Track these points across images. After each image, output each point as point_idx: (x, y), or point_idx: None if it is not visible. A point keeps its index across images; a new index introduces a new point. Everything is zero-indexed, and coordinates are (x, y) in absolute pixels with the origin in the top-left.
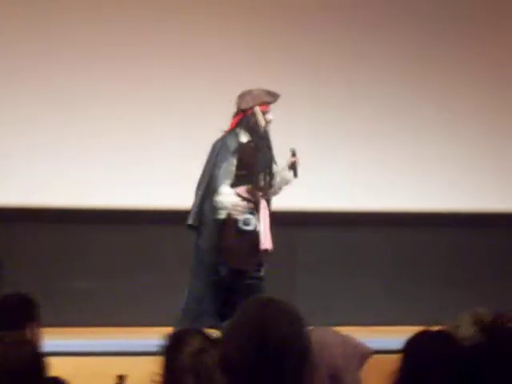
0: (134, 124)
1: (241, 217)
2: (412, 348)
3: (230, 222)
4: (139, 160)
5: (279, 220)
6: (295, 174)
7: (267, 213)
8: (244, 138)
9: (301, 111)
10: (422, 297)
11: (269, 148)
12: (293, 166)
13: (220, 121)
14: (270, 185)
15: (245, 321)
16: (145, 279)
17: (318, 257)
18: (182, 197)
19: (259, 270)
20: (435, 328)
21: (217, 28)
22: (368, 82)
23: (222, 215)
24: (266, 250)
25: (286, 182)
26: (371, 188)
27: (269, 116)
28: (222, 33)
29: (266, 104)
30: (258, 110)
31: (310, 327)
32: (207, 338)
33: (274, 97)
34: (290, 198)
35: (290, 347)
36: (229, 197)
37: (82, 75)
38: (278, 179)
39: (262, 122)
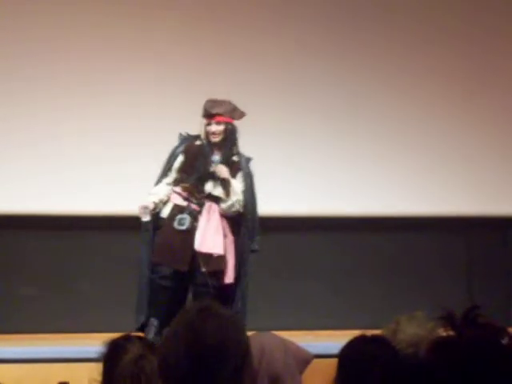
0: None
1: (179, 216)
2: (347, 353)
3: (167, 221)
4: (77, 165)
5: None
6: (224, 188)
7: (215, 217)
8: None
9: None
10: (365, 300)
11: (205, 158)
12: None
13: (177, 125)
14: (200, 190)
15: (181, 328)
16: (85, 286)
17: (261, 261)
18: (123, 201)
19: (204, 277)
20: (371, 332)
21: (185, 36)
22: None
23: (163, 214)
24: (210, 255)
25: (234, 203)
26: (322, 191)
27: (211, 128)
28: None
29: (204, 116)
30: (202, 121)
31: (250, 332)
32: (147, 344)
33: (204, 111)
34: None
35: (226, 354)
36: (149, 196)
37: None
38: (229, 202)
39: (202, 134)
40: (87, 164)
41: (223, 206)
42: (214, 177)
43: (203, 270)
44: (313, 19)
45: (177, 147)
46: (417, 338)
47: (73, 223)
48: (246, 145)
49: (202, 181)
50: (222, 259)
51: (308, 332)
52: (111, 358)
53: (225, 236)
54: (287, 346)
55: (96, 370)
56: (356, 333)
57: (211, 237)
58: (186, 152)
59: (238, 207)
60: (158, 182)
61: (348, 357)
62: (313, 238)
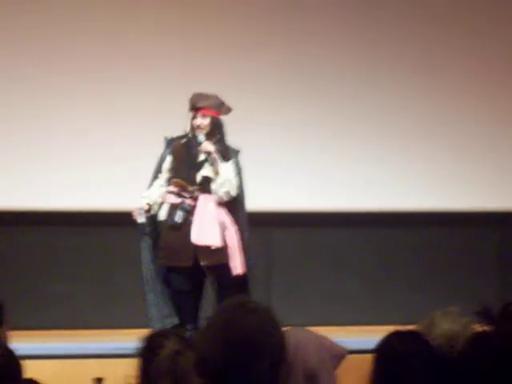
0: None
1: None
2: (383, 349)
3: (163, 222)
4: (110, 160)
5: (257, 220)
6: (212, 165)
7: (210, 209)
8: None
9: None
10: (399, 296)
11: (190, 148)
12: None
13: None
14: (193, 182)
15: (218, 323)
16: (121, 281)
17: (294, 257)
18: None
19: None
20: (407, 328)
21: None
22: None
23: (161, 217)
24: (208, 247)
25: (223, 182)
26: (349, 187)
27: (196, 121)
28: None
29: (190, 110)
30: (189, 114)
31: (286, 328)
32: (183, 340)
33: (190, 104)
34: (269, 198)
35: (263, 349)
36: (142, 199)
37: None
38: (219, 180)
39: (187, 127)
40: (114, 160)
41: (213, 186)
42: (204, 164)
43: (202, 263)
44: (318, 7)
45: (164, 151)
46: (452, 334)
47: (104, 219)
48: (265, 139)
49: (193, 170)
50: (222, 252)
51: (340, 328)
52: (147, 353)
53: (225, 228)
54: (321, 342)
55: (132, 365)
56: (388, 328)
57: (207, 229)
58: (173, 152)
59: (228, 187)
60: (150, 185)
61: (384, 352)
62: (344, 233)
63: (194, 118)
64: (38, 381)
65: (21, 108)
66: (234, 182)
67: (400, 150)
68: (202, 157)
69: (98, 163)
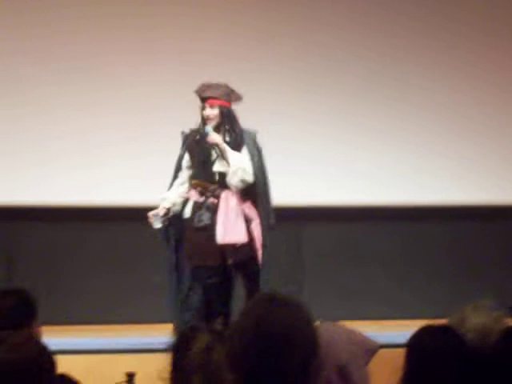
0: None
1: (198, 213)
2: (415, 343)
3: (189, 221)
4: (136, 155)
5: (283, 215)
6: (222, 156)
7: (233, 205)
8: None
9: (297, 99)
10: (430, 290)
11: (201, 142)
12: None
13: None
14: (211, 179)
15: (250, 318)
16: (151, 276)
17: (325, 251)
18: None
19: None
20: (439, 322)
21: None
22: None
23: (186, 215)
24: (233, 245)
25: (235, 171)
26: (376, 181)
27: (205, 112)
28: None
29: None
30: (200, 104)
31: (317, 322)
32: (216, 335)
33: (198, 95)
34: (295, 193)
35: (295, 344)
36: (162, 202)
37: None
38: (231, 169)
39: (200, 119)
40: (139, 156)
41: (227, 178)
42: (218, 157)
43: (229, 261)
44: None
45: (181, 147)
46: (483, 328)
47: (138, 214)
48: (287, 131)
49: (209, 167)
50: (248, 246)
51: (372, 322)
52: (180, 348)
53: (250, 220)
54: (352, 336)
55: (164, 360)
56: (420, 323)
57: (232, 226)
58: (188, 148)
59: (242, 175)
60: (171, 185)
61: (416, 347)
62: (377, 227)
63: (203, 108)
64: (70, 376)
65: (53, 105)
66: (248, 168)
67: (426, 142)
68: (214, 153)
69: (122, 159)
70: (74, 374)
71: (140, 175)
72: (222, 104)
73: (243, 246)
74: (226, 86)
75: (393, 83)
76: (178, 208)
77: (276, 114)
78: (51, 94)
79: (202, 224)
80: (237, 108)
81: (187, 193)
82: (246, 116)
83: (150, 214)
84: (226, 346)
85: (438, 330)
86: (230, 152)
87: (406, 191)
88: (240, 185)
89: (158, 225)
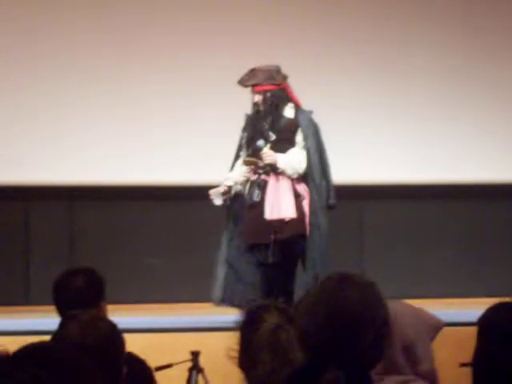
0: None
1: (250, 191)
2: (489, 321)
3: (245, 199)
4: (197, 137)
5: (345, 194)
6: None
7: (280, 181)
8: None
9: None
10: (489, 269)
11: (256, 124)
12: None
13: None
14: (256, 158)
15: (322, 297)
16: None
17: (384, 230)
18: None
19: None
20: (508, 300)
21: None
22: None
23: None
24: (282, 220)
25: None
26: (433, 160)
27: (254, 98)
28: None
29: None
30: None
31: None
32: (284, 313)
33: (239, 84)
34: (355, 171)
35: (367, 322)
36: (224, 181)
37: (111, 55)
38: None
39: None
40: (200, 136)
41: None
42: (263, 135)
43: (279, 237)
44: None
45: (243, 128)
46: None
47: (196, 193)
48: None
49: (253, 141)
50: (298, 222)
51: (436, 300)
52: (248, 327)
53: (300, 197)
54: (417, 313)
55: (230, 339)
56: (484, 301)
57: (281, 202)
58: (245, 128)
59: (291, 171)
60: (232, 165)
61: (489, 324)
62: (436, 206)
63: (252, 94)
64: (136, 355)
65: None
66: (296, 164)
67: (489, 121)
68: (266, 128)
69: (185, 140)
70: (138, 352)
71: (202, 156)
72: (266, 88)
73: (292, 221)
74: (269, 69)
75: (457, 64)
76: (239, 187)
77: (339, 94)
78: (118, 78)
79: (252, 201)
80: (296, 89)
81: (248, 172)
82: (310, 95)
83: (211, 191)
84: (295, 324)
85: (510, 307)
86: (282, 162)
87: (468, 170)
88: (294, 176)
89: (218, 202)
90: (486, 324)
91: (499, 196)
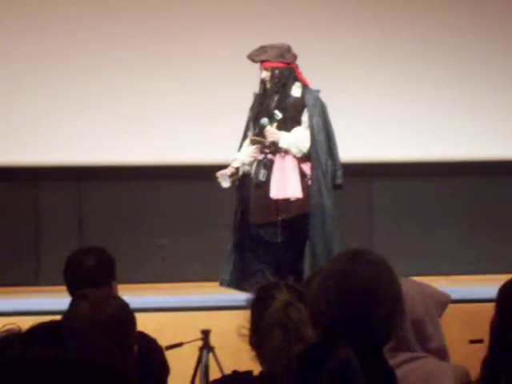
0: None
1: (255, 171)
2: (508, 297)
3: (251, 179)
4: (206, 117)
5: (353, 171)
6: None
7: (286, 160)
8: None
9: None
10: (498, 246)
11: (262, 104)
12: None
13: None
14: (261, 136)
15: (333, 274)
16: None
17: (392, 208)
18: None
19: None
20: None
21: None
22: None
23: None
24: (287, 199)
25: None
26: (442, 138)
27: (262, 74)
28: None
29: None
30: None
31: None
32: (295, 291)
33: (249, 58)
34: (362, 149)
35: (379, 299)
36: (232, 162)
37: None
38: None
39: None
40: (214, 117)
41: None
42: (269, 113)
43: (283, 217)
44: None
45: (251, 107)
46: None
47: (206, 173)
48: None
49: (257, 119)
50: (304, 201)
51: (442, 277)
52: (259, 305)
53: (306, 176)
54: (424, 289)
55: (240, 317)
56: (491, 277)
57: (287, 181)
58: (251, 107)
59: (295, 150)
60: (240, 145)
61: (506, 301)
62: (445, 183)
63: (260, 71)
64: (147, 334)
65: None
66: (300, 143)
67: (496, 99)
68: (272, 106)
69: (194, 119)
70: (149, 332)
71: (212, 135)
72: (274, 65)
73: (297, 201)
74: (280, 47)
75: (464, 43)
76: (247, 167)
77: (347, 73)
78: (126, 60)
79: (258, 181)
80: (305, 69)
81: (255, 152)
82: (318, 75)
83: (218, 173)
84: (307, 302)
85: None
86: (286, 141)
87: (475, 147)
88: (299, 155)
89: (226, 184)
90: (505, 300)
91: (509, 173)
